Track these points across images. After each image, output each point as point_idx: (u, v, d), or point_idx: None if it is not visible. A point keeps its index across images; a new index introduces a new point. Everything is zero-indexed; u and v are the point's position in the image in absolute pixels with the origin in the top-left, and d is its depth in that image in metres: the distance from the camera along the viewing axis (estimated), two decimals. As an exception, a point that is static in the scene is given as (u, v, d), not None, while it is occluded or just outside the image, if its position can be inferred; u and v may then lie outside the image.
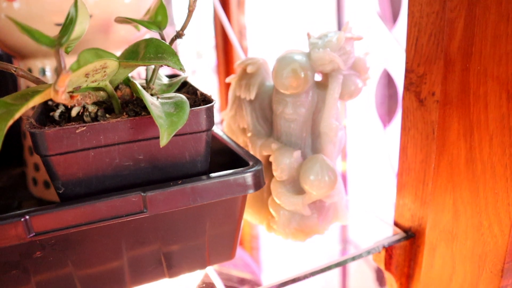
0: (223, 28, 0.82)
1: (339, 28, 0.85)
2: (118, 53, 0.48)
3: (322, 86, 0.43)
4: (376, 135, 0.88)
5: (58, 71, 0.23)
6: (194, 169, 0.35)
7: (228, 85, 0.81)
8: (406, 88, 0.40)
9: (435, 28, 0.36)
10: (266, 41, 0.87)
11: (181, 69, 0.31)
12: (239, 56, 0.59)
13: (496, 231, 0.33)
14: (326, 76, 0.43)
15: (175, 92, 0.39)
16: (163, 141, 0.29)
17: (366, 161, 0.91)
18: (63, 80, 0.20)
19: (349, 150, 0.91)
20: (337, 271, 0.85)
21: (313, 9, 0.88)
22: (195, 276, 0.44)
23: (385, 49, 0.79)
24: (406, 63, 0.40)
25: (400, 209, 0.44)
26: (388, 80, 0.86)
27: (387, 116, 0.87)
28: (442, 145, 0.37)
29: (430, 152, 0.38)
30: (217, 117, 1.06)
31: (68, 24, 0.24)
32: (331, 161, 0.42)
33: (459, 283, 0.38)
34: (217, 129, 0.44)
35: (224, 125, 0.50)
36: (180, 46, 0.30)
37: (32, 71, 0.45)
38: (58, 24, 0.41)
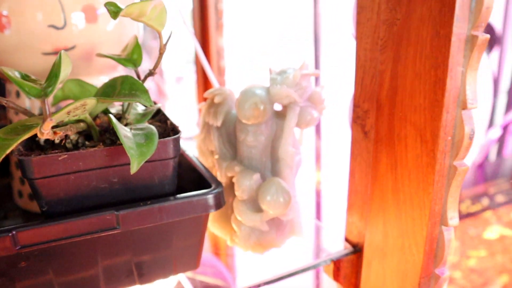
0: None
1: (316, 51, 0.89)
2: (101, 78, 0.52)
3: (281, 116, 0.45)
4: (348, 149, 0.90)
5: (44, 117, 0.27)
6: (162, 191, 0.37)
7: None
8: (354, 120, 0.44)
9: (376, 72, 0.40)
10: (244, 61, 0.90)
11: (151, 106, 0.35)
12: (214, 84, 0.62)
13: (414, 251, 0.37)
14: (285, 107, 0.45)
15: (149, 120, 0.41)
16: (133, 169, 0.32)
17: (340, 173, 0.94)
18: (48, 126, 0.25)
19: (324, 164, 0.93)
20: (310, 273, 0.89)
21: (291, 31, 0.91)
22: (168, 285, 0.46)
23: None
24: (354, 98, 0.43)
25: (350, 226, 0.47)
26: None
27: None
28: (375, 175, 0.40)
29: (369, 179, 0.42)
30: (196, 131, 1.08)
31: (53, 76, 0.28)
32: (287, 183, 0.44)
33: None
34: (189, 151, 0.46)
35: (196, 146, 0.52)
36: (168, 50, 0.33)
37: (20, 94, 0.49)
38: (45, 53, 0.44)
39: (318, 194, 0.94)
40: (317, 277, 0.70)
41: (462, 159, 0.33)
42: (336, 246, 0.49)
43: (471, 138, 0.32)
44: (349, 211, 0.47)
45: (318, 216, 0.91)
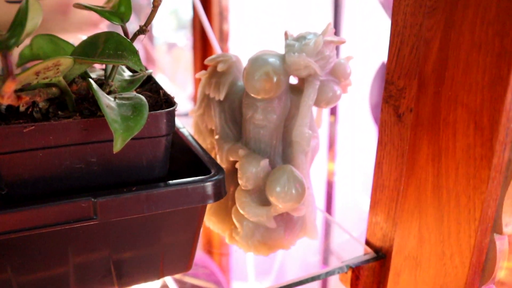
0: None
1: (336, 16, 0.86)
2: (79, 36, 0.49)
3: (297, 91, 0.44)
4: (369, 138, 0.90)
5: (4, 75, 0.24)
6: (151, 175, 0.36)
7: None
8: (385, 100, 0.42)
9: (417, 40, 0.38)
10: (252, 25, 0.87)
11: (141, 70, 0.33)
12: (215, 49, 0.60)
13: (457, 262, 0.35)
14: (302, 80, 0.44)
15: (137, 89, 0.40)
16: (117, 146, 0.30)
17: (356, 164, 0.93)
18: (9, 87, 0.22)
19: (339, 151, 0.93)
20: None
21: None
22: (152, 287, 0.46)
23: (384, 39, 0.80)
24: (387, 74, 0.41)
25: (372, 227, 0.46)
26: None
27: None
28: (411, 167, 0.39)
29: (404, 171, 0.41)
30: (189, 107, 1.08)
31: (17, 24, 0.25)
32: (301, 172, 0.43)
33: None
34: (183, 129, 0.46)
35: (192, 123, 0.51)
36: (160, 12, 0.31)
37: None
38: (9, 1, 0.42)
39: (330, 185, 0.94)
40: (324, 285, 0.69)
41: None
42: (354, 250, 0.48)
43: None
44: (373, 209, 0.46)
45: (329, 210, 0.90)
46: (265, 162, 0.43)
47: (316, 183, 0.54)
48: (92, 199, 0.33)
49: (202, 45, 0.90)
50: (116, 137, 0.30)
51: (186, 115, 0.81)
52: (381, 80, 0.85)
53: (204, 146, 0.50)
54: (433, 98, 0.36)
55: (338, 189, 0.93)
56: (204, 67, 0.84)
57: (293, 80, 0.45)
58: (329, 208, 0.92)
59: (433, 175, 0.37)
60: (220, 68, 0.45)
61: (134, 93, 0.35)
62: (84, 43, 0.35)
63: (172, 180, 0.36)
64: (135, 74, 0.40)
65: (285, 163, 0.45)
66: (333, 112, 0.93)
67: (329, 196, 0.93)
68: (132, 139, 0.32)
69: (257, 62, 0.42)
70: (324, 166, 0.96)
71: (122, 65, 0.34)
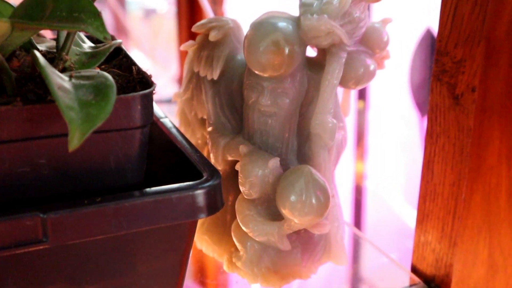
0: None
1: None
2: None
3: (316, 66, 0.44)
4: (410, 127, 0.89)
5: None
6: (121, 181, 0.36)
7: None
8: (436, 77, 0.41)
9: None
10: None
11: (106, 39, 0.32)
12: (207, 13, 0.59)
13: None
14: (323, 52, 0.43)
15: (102, 65, 0.40)
16: (74, 142, 0.29)
17: (394, 163, 0.93)
18: None
19: (371, 147, 0.93)
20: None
21: None
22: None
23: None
24: (438, 41, 0.41)
25: (421, 248, 0.45)
26: (431, 46, 0.88)
27: (427, 102, 0.89)
28: (476, 168, 0.38)
29: (465, 173, 0.40)
30: (174, 89, 1.08)
31: None
32: (323, 175, 0.43)
33: None
34: (165, 119, 0.46)
35: (176, 111, 0.51)
36: None
37: None
38: None
39: (359, 191, 0.95)
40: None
41: None
42: (394, 278, 0.48)
43: None
44: (421, 223, 0.45)
45: (359, 224, 0.92)
46: (275, 162, 0.43)
47: (341, 188, 0.55)
48: (41, 215, 0.32)
49: (188, 11, 0.91)
50: (73, 130, 0.29)
51: (169, 100, 0.81)
52: (425, 51, 0.85)
53: (193, 141, 0.50)
54: (507, 72, 0.35)
55: (370, 196, 0.93)
56: (192, 37, 0.83)
57: (311, 52, 0.45)
58: (358, 221, 0.93)
59: (508, 179, 0.36)
60: (213, 37, 0.45)
61: (97, 70, 0.35)
62: (26, 2, 0.34)
63: (150, 187, 0.36)
64: (99, 45, 0.40)
65: (301, 163, 0.45)
66: (362, 95, 0.93)
67: (357, 205, 0.93)
68: (94, 132, 0.30)
69: (262, 28, 0.42)
70: (350, 167, 0.96)
71: (79, 31, 0.34)
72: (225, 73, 0.46)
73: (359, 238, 0.63)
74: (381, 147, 0.92)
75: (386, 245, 0.57)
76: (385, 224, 0.88)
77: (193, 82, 0.47)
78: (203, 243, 0.49)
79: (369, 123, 0.93)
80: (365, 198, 0.92)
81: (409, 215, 0.87)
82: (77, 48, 0.38)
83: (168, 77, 1.17)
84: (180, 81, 0.94)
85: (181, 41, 0.93)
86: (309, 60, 0.45)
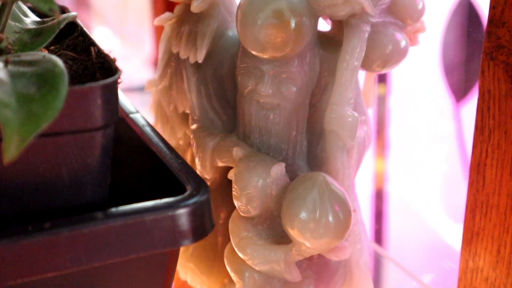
0: None
1: None
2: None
3: (331, 44, 0.44)
4: (444, 116, 0.88)
5: None
6: (78, 199, 0.36)
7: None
8: (489, 55, 0.41)
9: None
10: None
11: (53, 12, 0.32)
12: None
13: None
14: (340, 25, 0.44)
15: (51, 45, 0.40)
16: (11, 151, 0.28)
17: (422, 162, 0.92)
18: None
19: (394, 141, 0.94)
20: None
21: None
22: None
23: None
24: (492, 8, 0.40)
25: (469, 276, 0.45)
26: (469, 16, 0.88)
27: (464, 85, 0.90)
28: None
29: None
30: (147, 75, 1.07)
31: None
32: (341, 184, 0.43)
33: None
34: (136, 115, 0.46)
35: (151, 104, 0.51)
36: None
37: None
38: None
39: (379, 197, 0.94)
40: None
41: None
42: None
43: None
44: (469, 244, 0.44)
45: (380, 240, 0.92)
46: (278, 169, 0.43)
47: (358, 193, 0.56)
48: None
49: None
50: (9, 135, 0.28)
51: (141, 88, 0.80)
52: (461, 21, 0.85)
53: (172, 142, 0.50)
54: None
55: (393, 203, 0.94)
56: (170, 8, 0.83)
57: (324, 26, 0.45)
58: (379, 235, 0.94)
59: None
60: (196, 7, 0.44)
61: (44, 53, 0.35)
62: None
63: (117, 206, 0.35)
64: (46, 19, 0.40)
65: (313, 169, 0.45)
66: (382, 78, 0.94)
67: (378, 215, 0.94)
68: (40, 136, 0.30)
69: None
70: (369, 166, 0.97)
71: (18, 1, 0.33)
72: (212, 54, 0.46)
73: (381, 257, 0.63)
74: (406, 142, 0.93)
75: (415, 265, 0.57)
76: (413, 239, 0.89)
77: (171, 67, 0.47)
78: (188, 272, 0.49)
79: (391, 112, 0.94)
80: (387, 206, 0.93)
81: (445, 228, 0.87)
82: (17, 24, 0.38)
83: (141, 59, 1.19)
84: (155, 63, 0.93)
85: (156, 13, 0.94)
86: (322, 35, 0.45)
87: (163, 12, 0.87)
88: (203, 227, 0.36)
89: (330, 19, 0.44)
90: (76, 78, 0.36)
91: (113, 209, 0.34)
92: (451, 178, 0.87)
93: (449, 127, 0.86)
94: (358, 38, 0.42)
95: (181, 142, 0.50)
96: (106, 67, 0.36)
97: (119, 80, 0.35)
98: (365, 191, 0.95)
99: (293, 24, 0.40)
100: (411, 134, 0.88)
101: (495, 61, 0.41)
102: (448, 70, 0.85)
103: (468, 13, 0.85)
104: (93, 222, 0.33)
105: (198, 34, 0.45)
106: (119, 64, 0.37)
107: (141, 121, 0.45)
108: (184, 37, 0.46)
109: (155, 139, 0.43)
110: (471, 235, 0.45)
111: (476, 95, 0.82)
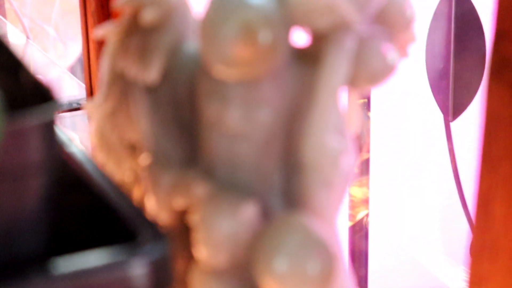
0: None
1: None
2: None
3: (309, 61, 0.45)
4: (432, 135, 0.90)
5: None
6: (9, 252, 0.36)
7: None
8: (495, 71, 0.42)
9: None
10: None
11: None
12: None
13: None
14: (320, 39, 0.45)
15: None
16: None
17: (409, 191, 0.94)
18: None
19: (374, 166, 0.94)
20: None
21: None
22: None
23: None
24: (497, 17, 0.41)
25: None
26: (453, 15, 0.89)
27: (456, 100, 0.90)
28: None
29: None
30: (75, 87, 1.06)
31: None
32: (323, 227, 0.44)
33: None
34: (73, 147, 0.46)
35: (91, 130, 0.51)
36: None
37: None
38: None
39: (357, 231, 0.95)
40: None
41: None
42: None
43: None
44: (475, 276, 0.45)
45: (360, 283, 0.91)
46: (249, 210, 0.44)
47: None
48: None
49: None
50: None
51: (76, 109, 0.79)
52: (446, 23, 0.86)
53: (118, 177, 0.51)
54: None
55: (374, 239, 0.95)
56: (111, 15, 0.83)
57: (302, 39, 0.47)
58: (358, 279, 0.94)
59: None
60: (147, 17, 0.46)
61: None
62: None
63: (56, 261, 0.35)
64: None
65: (290, 209, 0.46)
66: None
67: (355, 254, 0.95)
68: None
69: (225, 3, 0.43)
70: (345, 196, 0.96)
71: None
72: (167, 73, 0.47)
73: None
74: (389, 166, 0.94)
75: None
76: (401, 283, 0.88)
77: (117, 88, 0.48)
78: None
79: (370, 130, 0.95)
80: (366, 243, 0.94)
81: (441, 270, 0.88)
82: None
83: (66, 66, 1.16)
84: (90, 84, 0.93)
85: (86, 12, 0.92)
86: (299, 52, 0.46)
87: (96, 12, 0.88)
88: (160, 283, 0.37)
89: (309, 31, 0.44)
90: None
91: (51, 266, 0.35)
92: (444, 209, 0.88)
93: (441, 150, 0.87)
94: (342, 54, 0.43)
95: (126, 177, 0.50)
96: (40, 88, 0.36)
97: (59, 104, 0.35)
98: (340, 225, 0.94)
99: (264, 39, 0.42)
100: (395, 156, 0.90)
101: (500, 76, 0.42)
102: (435, 82, 0.86)
103: (450, 12, 0.86)
104: (25, 282, 0.33)
105: (149, 49, 0.46)
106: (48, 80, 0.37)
107: (79, 154, 0.44)
108: (132, 51, 0.47)
109: (96, 174, 0.43)
110: (477, 280, 0.45)
111: (471, 112, 0.84)
